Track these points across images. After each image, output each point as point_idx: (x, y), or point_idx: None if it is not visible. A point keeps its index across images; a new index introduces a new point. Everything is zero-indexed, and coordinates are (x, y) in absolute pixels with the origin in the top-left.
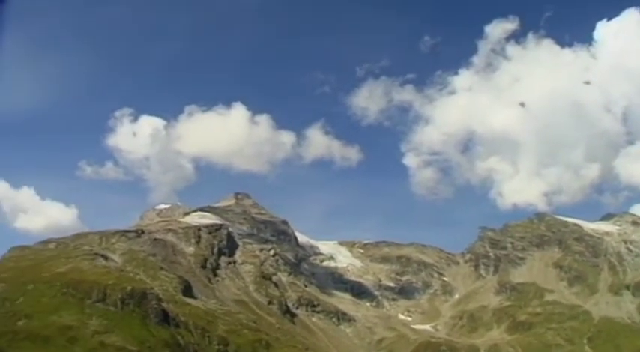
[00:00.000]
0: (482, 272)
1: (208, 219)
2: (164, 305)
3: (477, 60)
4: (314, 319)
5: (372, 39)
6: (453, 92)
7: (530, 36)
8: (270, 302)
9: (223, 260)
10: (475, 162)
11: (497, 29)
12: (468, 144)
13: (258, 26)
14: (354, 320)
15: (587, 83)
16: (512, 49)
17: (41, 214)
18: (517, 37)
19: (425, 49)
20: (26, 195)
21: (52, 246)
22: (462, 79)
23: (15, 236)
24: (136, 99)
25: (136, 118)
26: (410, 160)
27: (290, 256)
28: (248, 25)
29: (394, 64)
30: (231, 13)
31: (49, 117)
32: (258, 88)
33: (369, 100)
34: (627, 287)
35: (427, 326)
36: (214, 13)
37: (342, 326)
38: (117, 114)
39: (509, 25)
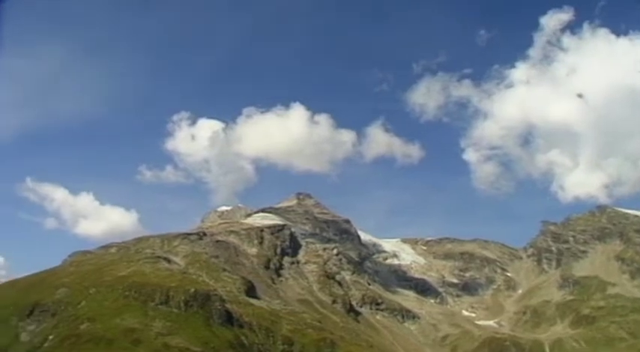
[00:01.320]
0: (545, 266)
1: (270, 219)
2: (227, 306)
3: (533, 52)
4: (378, 317)
5: (427, 35)
6: (510, 85)
7: (585, 26)
8: (334, 301)
9: (286, 260)
10: (535, 156)
11: (553, 20)
12: (527, 138)
13: (315, 25)
14: (418, 318)
15: None
16: (567, 39)
17: (101, 219)
18: (572, 27)
19: (481, 43)
20: (85, 200)
21: (113, 250)
22: (519, 72)
23: (76, 241)
24: (193, 103)
25: (193, 122)
26: (470, 156)
27: (353, 255)
28: (304, 24)
29: (451, 59)
30: (287, 12)
31: (107, 124)
32: (316, 87)
33: (426, 97)
34: None
35: (491, 322)
36: (271, 14)
37: (406, 324)
38: (175, 118)
39: (564, 16)
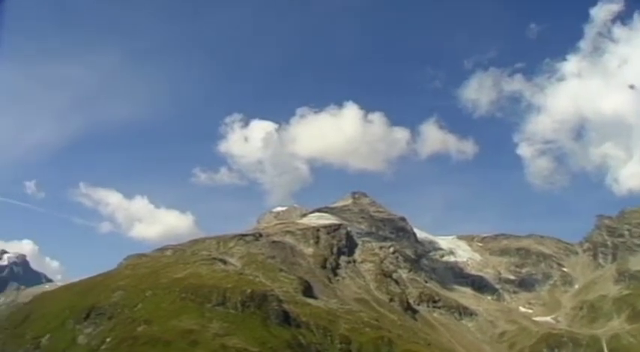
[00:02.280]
0: (601, 261)
1: (326, 219)
2: (285, 306)
3: (583, 44)
4: (435, 315)
5: (478, 30)
6: (562, 79)
7: (635, 16)
8: (391, 300)
9: (343, 259)
10: (588, 149)
11: (603, 11)
12: (580, 131)
13: (366, 24)
14: (476, 315)
15: None
16: (618, 30)
17: (156, 222)
18: (623, 18)
19: (531, 36)
20: (140, 204)
21: (168, 252)
22: (570, 64)
23: (131, 244)
24: (245, 105)
25: (246, 123)
26: (523, 150)
27: (409, 252)
28: (355, 24)
29: (502, 54)
30: (338, 12)
31: (160, 127)
32: (369, 86)
33: (479, 92)
34: None
35: (548, 318)
36: (323, 14)
37: (463, 321)
38: (227, 120)
39: (614, 7)
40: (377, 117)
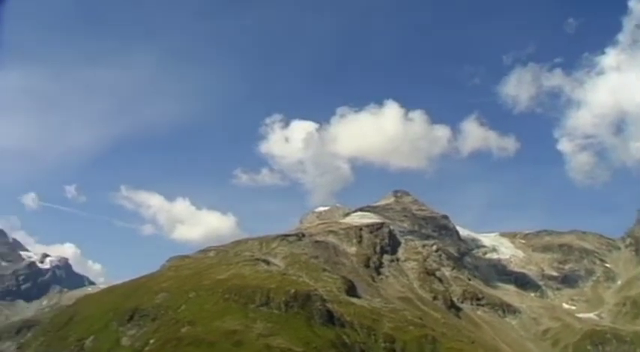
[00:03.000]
0: None
1: (369, 218)
2: (328, 305)
3: (622, 37)
4: (479, 312)
5: (516, 26)
6: (601, 73)
7: None
8: (434, 298)
9: (386, 258)
10: (629, 143)
11: None
12: (620, 125)
13: (404, 23)
14: (519, 312)
15: None
16: None
17: (198, 224)
18: None
19: (570, 30)
20: (181, 206)
21: (211, 253)
22: (609, 58)
23: (173, 246)
24: (285, 105)
25: (286, 124)
26: (564, 146)
27: (452, 250)
28: (393, 22)
29: (540, 49)
30: (376, 11)
31: (201, 129)
32: (409, 84)
33: (518, 88)
34: None
35: (591, 315)
36: (361, 13)
37: (507, 319)
38: (267, 121)
39: None
40: (417, 115)
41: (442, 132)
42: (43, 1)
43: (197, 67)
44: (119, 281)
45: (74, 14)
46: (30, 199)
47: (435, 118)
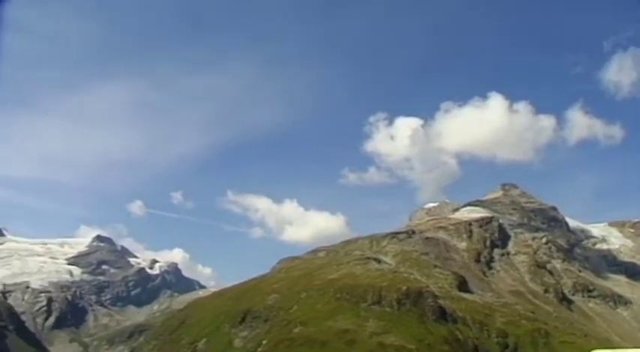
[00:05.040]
0: None
1: (478, 212)
2: (440, 302)
3: None
4: (590, 304)
5: (614, 10)
6: None
7: None
8: (546, 291)
9: (497, 252)
10: None
11: None
12: None
13: (501, 14)
14: (630, 303)
15: None
16: None
17: (307, 225)
18: None
19: None
20: (290, 207)
21: (321, 254)
22: None
23: (283, 248)
24: (388, 103)
25: (391, 122)
26: None
27: (562, 242)
28: (491, 14)
29: None
30: (474, 4)
31: (304, 131)
32: (511, 75)
33: (620, 74)
34: None
35: None
36: (458, 6)
37: (618, 310)
38: (371, 119)
39: None
40: (522, 107)
41: (547, 122)
42: (143, 13)
43: (298, 69)
44: (230, 285)
45: (173, 25)
46: (137, 207)
47: (539, 108)
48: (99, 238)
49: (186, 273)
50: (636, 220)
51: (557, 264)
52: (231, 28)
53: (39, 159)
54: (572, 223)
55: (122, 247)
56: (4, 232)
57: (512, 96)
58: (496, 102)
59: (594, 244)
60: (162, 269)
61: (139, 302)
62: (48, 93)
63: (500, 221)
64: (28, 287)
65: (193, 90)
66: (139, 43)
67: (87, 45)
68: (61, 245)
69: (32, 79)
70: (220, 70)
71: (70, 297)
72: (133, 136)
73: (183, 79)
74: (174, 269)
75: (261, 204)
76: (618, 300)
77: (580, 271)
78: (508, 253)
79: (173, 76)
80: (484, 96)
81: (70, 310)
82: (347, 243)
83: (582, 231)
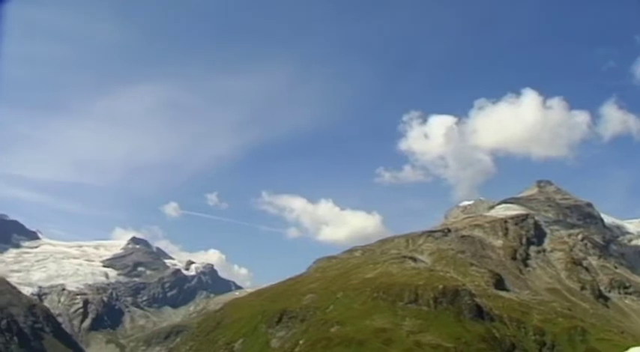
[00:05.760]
0: None
1: (513, 210)
2: (477, 300)
3: None
4: (627, 301)
5: None
6: None
7: None
8: (582, 288)
9: (532, 249)
10: None
11: None
12: None
13: (531, 10)
14: None
15: None
16: None
17: (343, 224)
18: None
19: None
20: (325, 207)
21: (357, 253)
22: None
23: (319, 248)
24: (421, 101)
25: (424, 120)
26: None
27: (598, 239)
28: (521, 10)
29: None
30: (503, 1)
31: (338, 131)
32: (544, 71)
33: None
34: None
35: None
36: (486, 3)
37: None
38: (405, 118)
39: None
40: (556, 102)
41: (581, 117)
42: (174, 15)
43: (330, 70)
44: (266, 285)
45: (205, 26)
46: (171, 209)
47: (573, 104)
48: (134, 240)
49: (222, 274)
50: None
51: (593, 261)
52: (262, 29)
53: (73, 162)
54: (608, 219)
55: (158, 249)
56: (40, 235)
57: (545, 92)
58: (530, 99)
59: (630, 240)
60: (198, 271)
61: (175, 304)
62: (81, 97)
63: (536, 218)
64: (64, 289)
65: (226, 91)
66: (170, 46)
67: (118, 48)
68: (97, 247)
69: (65, 83)
70: (253, 71)
71: (106, 299)
72: (166, 138)
73: (216, 81)
74: (210, 270)
75: (296, 205)
76: None
77: (616, 267)
78: (544, 250)
79: (205, 77)
80: (517, 93)
81: (106, 312)
82: (383, 242)
83: (618, 227)
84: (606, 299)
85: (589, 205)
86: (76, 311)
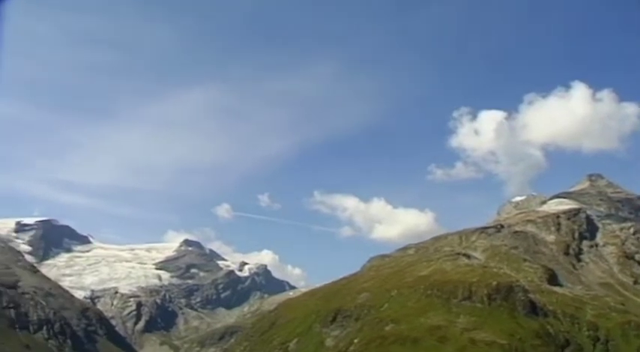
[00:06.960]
0: None
1: (565, 204)
2: (531, 296)
3: None
4: None
5: None
6: None
7: None
8: (635, 282)
9: (585, 244)
10: None
11: None
12: None
13: (579, 2)
14: None
15: None
16: None
17: (396, 222)
18: None
19: None
20: (378, 206)
21: (411, 251)
22: None
23: (373, 246)
24: (471, 97)
25: (474, 116)
26: None
27: None
28: (570, 2)
29: None
30: None
31: (389, 129)
32: (592, 64)
33: None
34: None
35: None
36: None
37: None
38: (455, 114)
39: None
40: (605, 95)
41: (631, 109)
42: (219, 19)
43: (378, 68)
44: (320, 284)
45: (250, 29)
46: (223, 210)
47: (622, 96)
48: (187, 242)
49: (275, 274)
50: None
51: None
52: (308, 31)
53: (123, 167)
54: None
55: (210, 250)
56: (91, 239)
57: (594, 85)
58: (579, 92)
59: None
60: (252, 271)
61: (229, 305)
62: (130, 102)
63: (588, 212)
64: (116, 292)
65: (273, 93)
66: (216, 49)
67: (165, 53)
68: (149, 250)
69: (114, 89)
70: (302, 70)
71: (159, 301)
72: (215, 140)
73: (262, 83)
74: (263, 271)
75: (349, 203)
76: None
77: None
78: (597, 245)
79: (252, 80)
80: (567, 86)
81: (159, 314)
82: (436, 239)
83: None
84: None
85: None
86: (129, 313)
